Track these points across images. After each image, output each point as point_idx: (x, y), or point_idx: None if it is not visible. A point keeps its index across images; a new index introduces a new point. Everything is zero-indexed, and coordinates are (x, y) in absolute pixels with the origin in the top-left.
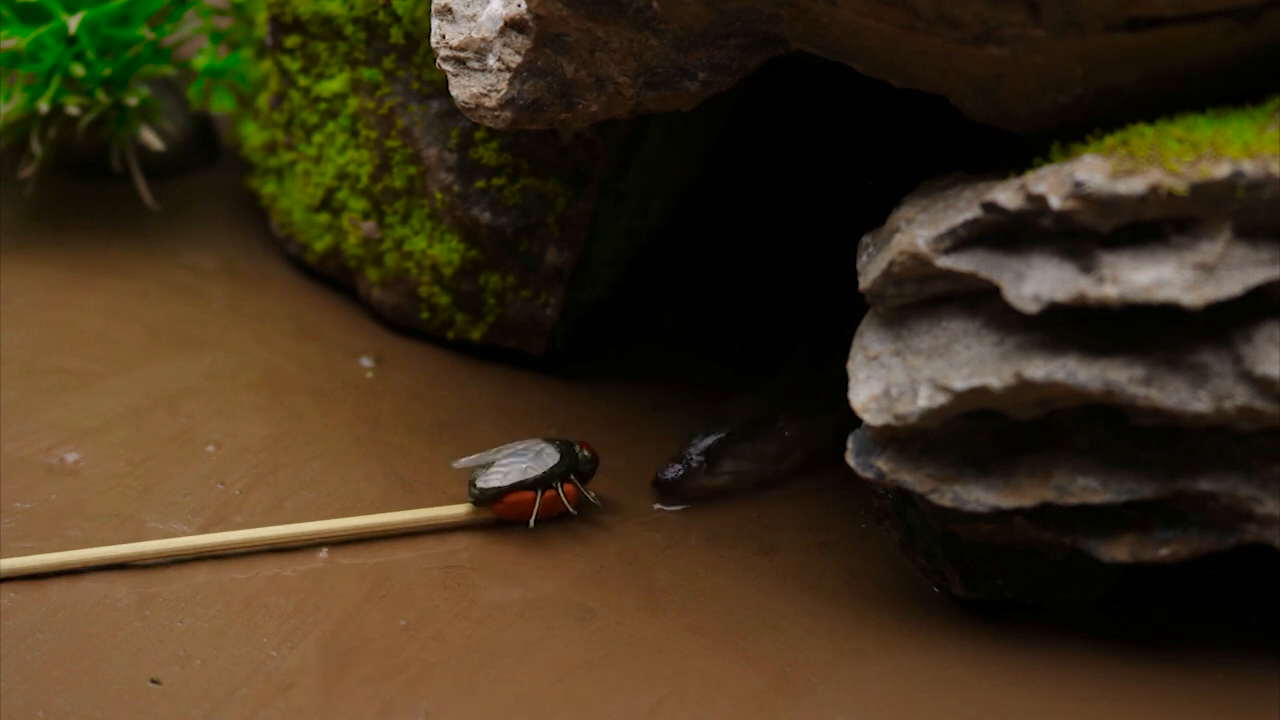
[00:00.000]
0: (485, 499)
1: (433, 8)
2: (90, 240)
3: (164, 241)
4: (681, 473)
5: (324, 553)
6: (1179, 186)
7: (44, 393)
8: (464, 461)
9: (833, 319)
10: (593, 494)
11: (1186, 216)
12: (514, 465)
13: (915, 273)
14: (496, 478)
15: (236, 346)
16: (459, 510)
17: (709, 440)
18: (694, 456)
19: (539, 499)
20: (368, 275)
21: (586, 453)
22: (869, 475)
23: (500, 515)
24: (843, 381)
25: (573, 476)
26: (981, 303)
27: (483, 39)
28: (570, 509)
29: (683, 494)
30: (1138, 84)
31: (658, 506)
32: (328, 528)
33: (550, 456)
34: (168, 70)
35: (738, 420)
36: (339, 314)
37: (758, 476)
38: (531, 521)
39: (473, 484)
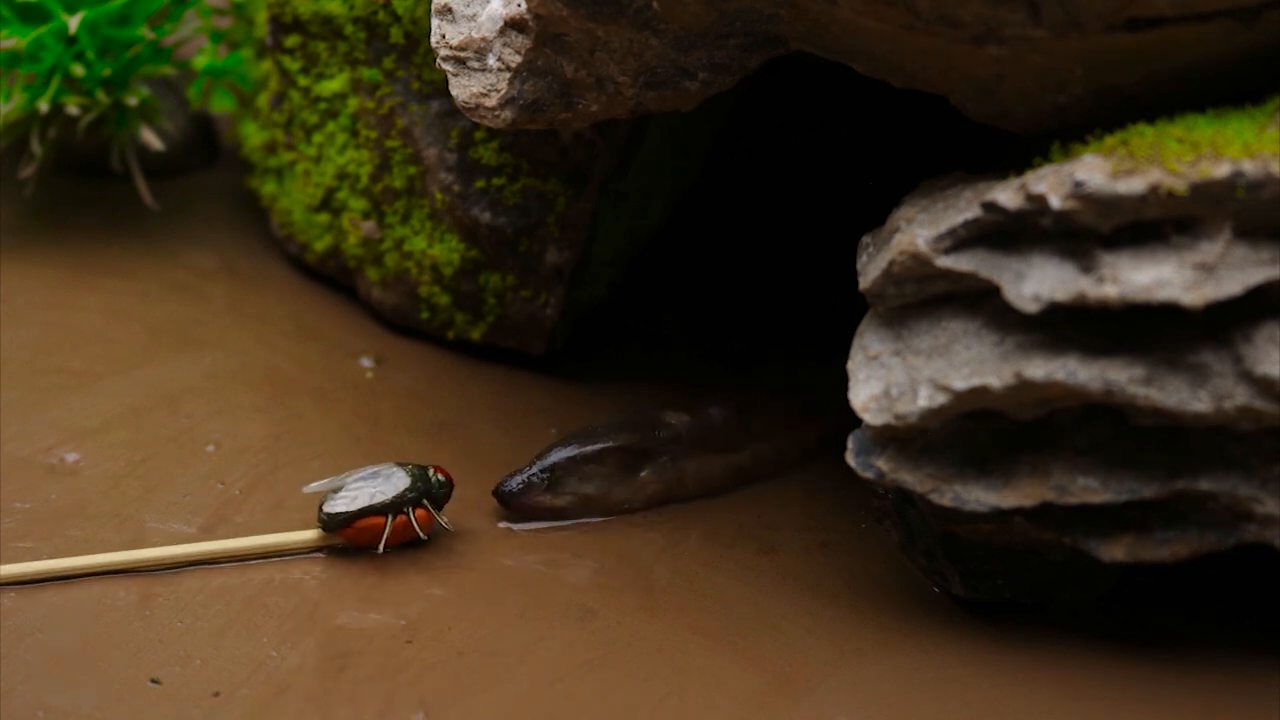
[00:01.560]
0: (334, 524)
1: (433, 7)
2: (90, 240)
3: (164, 241)
4: (521, 486)
5: (323, 553)
6: (1179, 186)
7: (44, 393)
8: (314, 486)
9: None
10: (445, 519)
11: (1186, 216)
12: (363, 489)
13: (915, 273)
14: (344, 502)
15: (236, 346)
16: (308, 536)
17: (556, 456)
18: (536, 471)
19: (389, 524)
20: (368, 275)
21: (440, 477)
22: (869, 475)
23: (349, 541)
24: (769, 428)
25: (425, 501)
26: (981, 303)
27: (483, 39)
28: (421, 535)
29: (522, 509)
30: (1138, 84)
31: (502, 524)
32: (161, 555)
33: (400, 480)
34: (168, 70)
35: (600, 439)
36: (339, 314)
37: (604, 502)
38: (381, 547)
39: (321, 509)
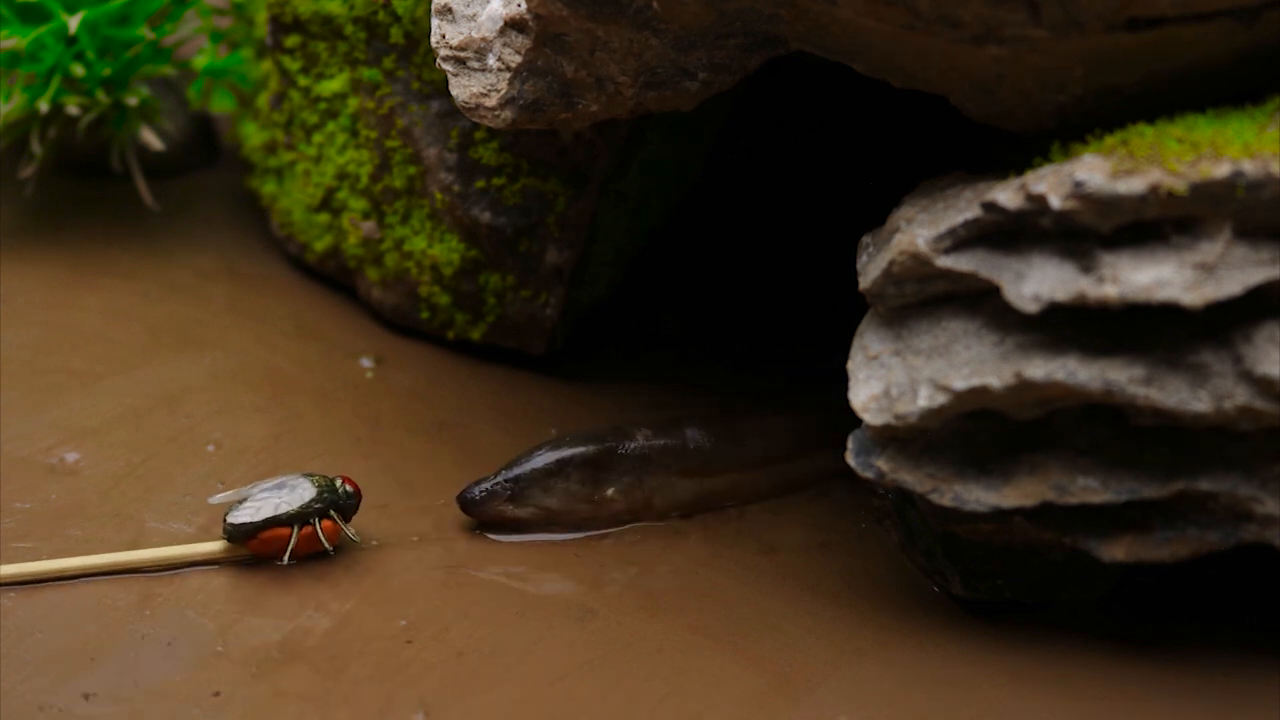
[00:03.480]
0: (238, 535)
1: (433, 7)
2: (90, 240)
3: (164, 241)
4: (484, 494)
5: (330, 549)
6: (1179, 186)
7: (44, 393)
8: (219, 497)
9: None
10: (353, 530)
11: (1186, 216)
12: (267, 500)
13: (915, 273)
14: (248, 513)
15: (236, 346)
16: (213, 548)
17: (520, 467)
18: (501, 481)
19: (295, 535)
20: (368, 275)
21: (349, 488)
22: (869, 475)
23: (254, 552)
24: (755, 458)
25: (332, 512)
26: (981, 303)
27: (483, 39)
28: (327, 547)
29: (483, 518)
30: (1138, 84)
31: (477, 530)
32: (58, 567)
33: (306, 491)
34: (168, 70)
35: (565, 452)
36: (339, 314)
37: (568, 517)
38: (285, 558)
39: (225, 519)
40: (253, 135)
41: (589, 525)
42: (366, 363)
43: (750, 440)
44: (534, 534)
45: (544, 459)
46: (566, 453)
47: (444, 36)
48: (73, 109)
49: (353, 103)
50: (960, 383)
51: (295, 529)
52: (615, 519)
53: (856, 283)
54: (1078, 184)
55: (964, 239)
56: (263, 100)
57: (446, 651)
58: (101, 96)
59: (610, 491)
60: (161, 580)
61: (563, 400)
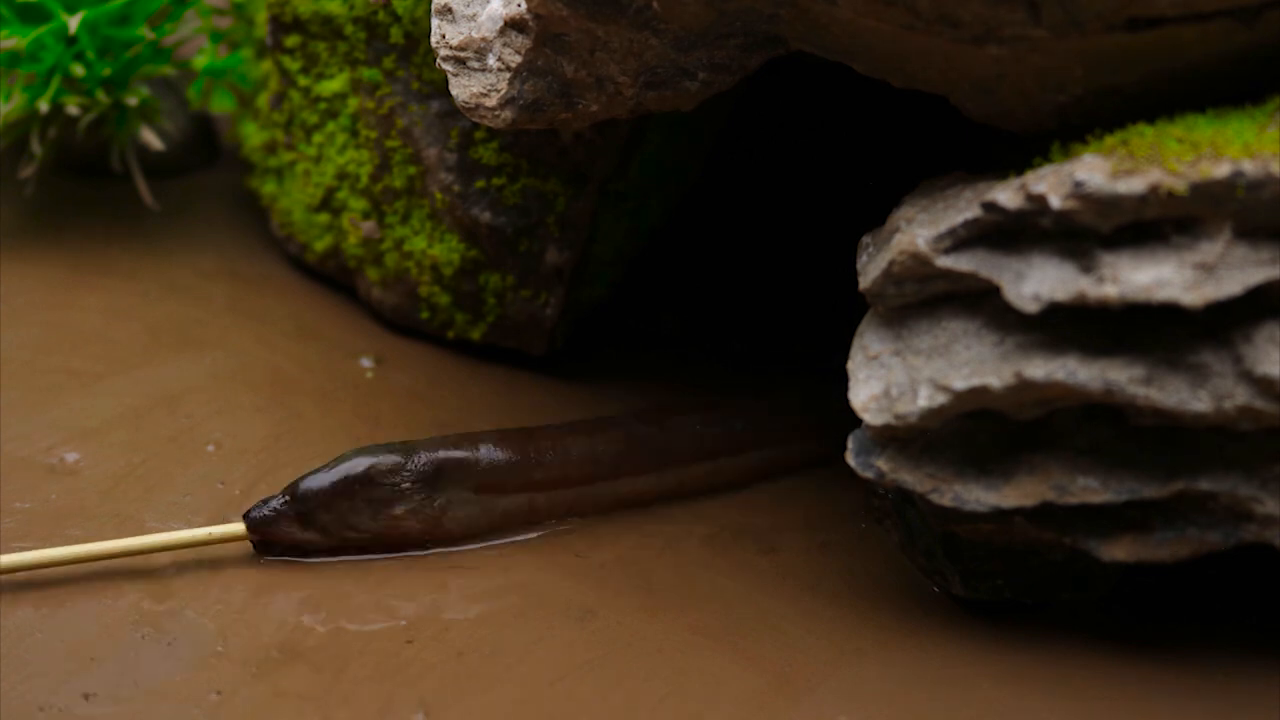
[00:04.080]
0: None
1: (433, 7)
2: (90, 240)
3: (164, 241)
4: (270, 515)
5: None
6: (1179, 186)
7: (44, 393)
8: None
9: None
10: None
11: (1186, 216)
12: None
13: (915, 272)
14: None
15: (236, 346)
16: (235, 529)
17: (305, 484)
18: (279, 499)
19: None
20: (368, 275)
21: None
22: (869, 475)
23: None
24: (565, 472)
25: None
26: (981, 302)
27: (483, 39)
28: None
29: (270, 540)
30: (1138, 84)
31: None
32: (92, 551)
33: None
34: (168, 70)
35: (348, 467)
36: (339, 314)
37: (357, 538)
38: None
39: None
40: (253, 135)
41: (378, 547)
42: (366, 363)
43: (549, 458)
44: (319, 557)
45: (326, 474)
46: (350, 466)
47: (444, 36)
48: (73, 109)
49: (353, 103)
50: (960, 383)
51: None
52: (405, 542)
53: (856, 282)
54: (1078, 184)
55: (964, 239)
56: (263, 100)
57: (446, 651)
58: (101, 96)
59: (398, 509)
60: (162, 580)
61: (563, 400)
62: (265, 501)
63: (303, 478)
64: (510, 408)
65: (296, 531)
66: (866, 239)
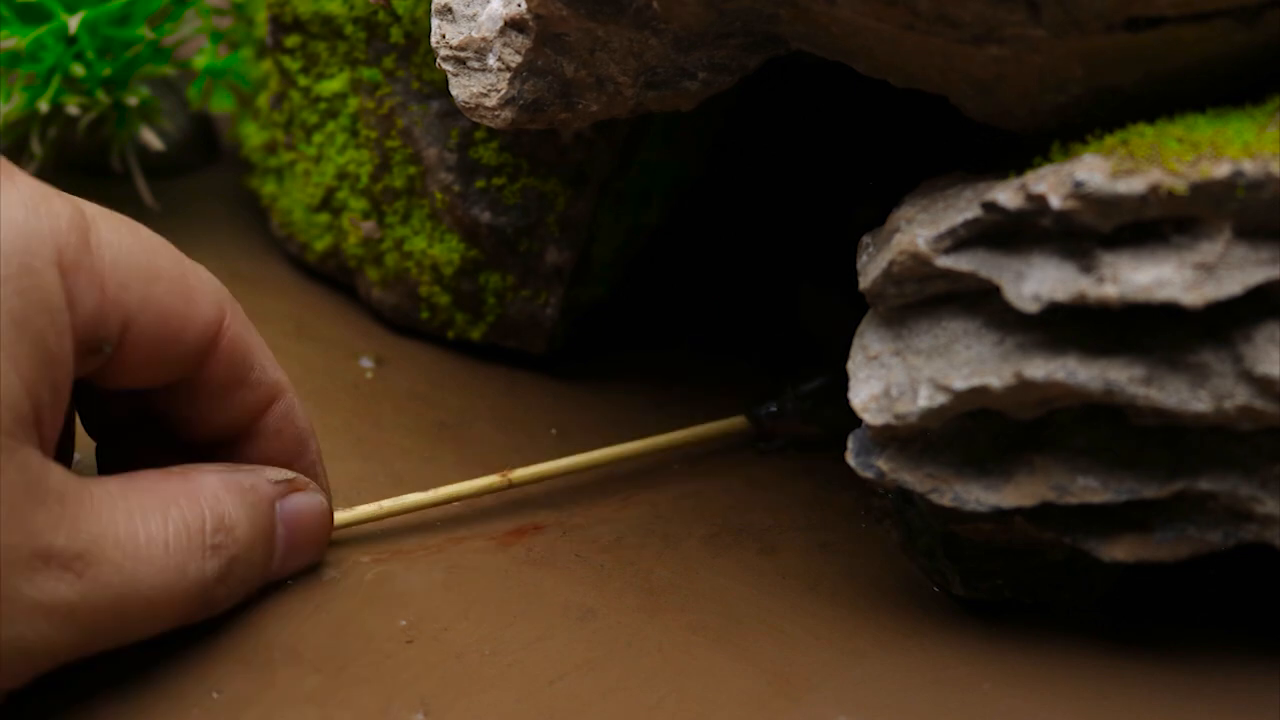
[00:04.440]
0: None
1: (433, 7)
2: None
3: None
4: (774, 411)
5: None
6: (1179, 186)
7: None
8: None
9: None
10: None
11: (1186, 216)
12: None
13: (915, 272)
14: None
15: None
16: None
17: (811, 384)
18: (785, 399)
19: None
20: (368, 275)
21: None
22: (869, 475)
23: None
24: None
25: None
26: (981, 302)
27: (483, 39)
28: None
29: (775, 434)
30: (1138, 84)
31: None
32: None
33: None
34: (168, 70)
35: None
36: (339, 314)
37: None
38: None
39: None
40: (253, 135)
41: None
42: (366, 363)
43: None
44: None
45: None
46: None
47: (444, 36)
48: (73, 109)
49: (353, 103)
50: (960, 382)
51: None
52: None
53: (856, 282)
54: (1078, 184)
55: (964, 239)
56: (263, 100)
57: (446, 651)
58: (101, 96)
59: None
60: None
61: (563, 400)
62: (765, 401)
63: (801, 378)
64: (510, 408)
65: (797, 425)
66: (866, 239)
